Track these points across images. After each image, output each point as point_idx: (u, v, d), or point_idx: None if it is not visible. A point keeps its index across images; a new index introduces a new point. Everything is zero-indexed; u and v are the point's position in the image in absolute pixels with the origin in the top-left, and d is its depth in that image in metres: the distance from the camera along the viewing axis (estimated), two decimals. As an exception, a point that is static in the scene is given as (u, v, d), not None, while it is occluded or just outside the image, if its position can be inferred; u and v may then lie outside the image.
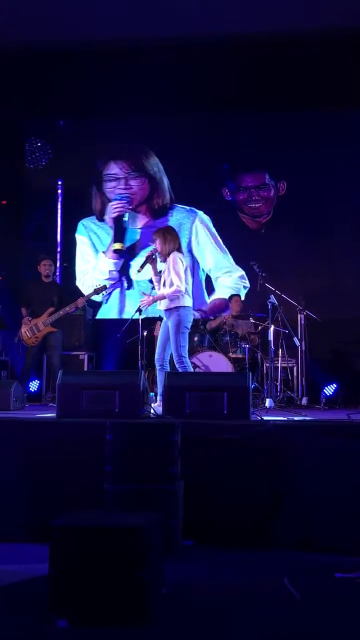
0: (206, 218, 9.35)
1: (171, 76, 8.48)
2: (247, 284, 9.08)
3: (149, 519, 3.05)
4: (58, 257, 9.51)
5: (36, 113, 9.39)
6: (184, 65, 8.47)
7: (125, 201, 9.43)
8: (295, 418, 5.36)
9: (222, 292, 9.14)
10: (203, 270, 9.32)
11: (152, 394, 6.35)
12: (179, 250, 6.03)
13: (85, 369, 8.23)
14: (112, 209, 9.45)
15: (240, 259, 9.15)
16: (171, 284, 5.84)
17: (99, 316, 9.27)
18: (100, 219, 9.53)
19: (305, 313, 7.66)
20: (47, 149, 9.39)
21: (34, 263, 7.90)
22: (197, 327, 7.91)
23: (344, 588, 3.42)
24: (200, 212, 9.36)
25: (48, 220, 9.61)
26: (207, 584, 3.47)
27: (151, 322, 7.82)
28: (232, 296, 8.56)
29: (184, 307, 5.90)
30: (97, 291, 7.44)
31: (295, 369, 7.81)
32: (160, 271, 6.05)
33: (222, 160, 9.31)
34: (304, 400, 7.27)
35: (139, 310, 7.05)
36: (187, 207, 9.37)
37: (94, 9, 7.81)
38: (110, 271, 9.33)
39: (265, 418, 4.88)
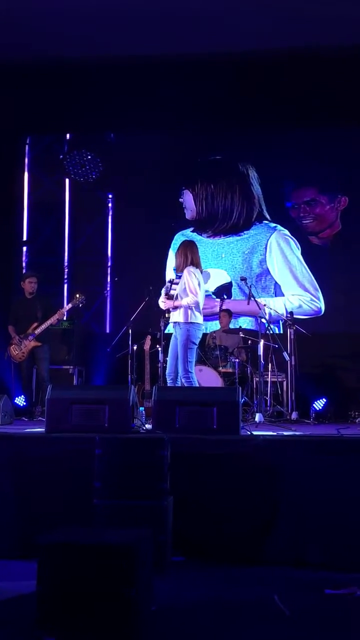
0: (285, 235, 9.18)
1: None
2: (318, 306, 8.97)
3: (138, 535, 3.03)
4: (109, 271, 9.52)
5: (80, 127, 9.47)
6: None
7: None
8: (285, 433, 5.35)
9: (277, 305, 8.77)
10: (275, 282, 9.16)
11: (141, 408, 6.34)
12: (193, 264, 6.10)
13: (75, 383, 8.20)
14: None
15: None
16: (187, 296, 5.94)
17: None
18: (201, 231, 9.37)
19: (294, 328, 7.68)
20: (98, 162, 9.31)
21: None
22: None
23: (334, 604, 3.41)
24: (280, 228, 9.19)
25: (99, 233, 9.60)
26: (196, 600, 3.45)
27: (141, 337, 7.82)
28: (221, 311, 8.57)
29: (194, 323, 6.01)
30: (74, 303, 7.47)
31: (284, 383, 7.81)
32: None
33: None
34: (294, 415, 7.26)
35: (130, 327, 7.07)
36: (269, 223, 9.23)
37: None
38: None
39: (255, 433, 4.88)
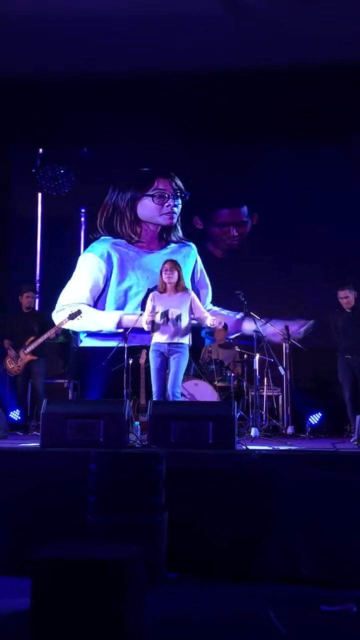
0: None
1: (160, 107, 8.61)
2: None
3: (131, 550, 3.00)
4: None
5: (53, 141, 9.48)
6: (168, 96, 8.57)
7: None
8: (281, 447, 5.34)
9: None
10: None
11: (137, 423, 6.32)
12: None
13: (70, 397, 8.18)
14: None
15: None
16: (206, 318, 6.13)
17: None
18: (130, 241, 9.36)
19: (290, 342, 7.68)
20: (70, 176, 9.35)
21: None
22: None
23: (330, 621, 3.38)
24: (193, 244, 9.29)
25: (71, 247, 9.55)
26: (191, 616, 3.42)
27: (136, 351, 7.79)
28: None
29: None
30: (71, 316, 7.45)
31: (280, 397, 7.80)
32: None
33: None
34: (290, 429, 7.25)
35: (125, 339, 7.05)
36: (186, 240, 9.28)
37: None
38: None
39: (250, 447, 4.86)
